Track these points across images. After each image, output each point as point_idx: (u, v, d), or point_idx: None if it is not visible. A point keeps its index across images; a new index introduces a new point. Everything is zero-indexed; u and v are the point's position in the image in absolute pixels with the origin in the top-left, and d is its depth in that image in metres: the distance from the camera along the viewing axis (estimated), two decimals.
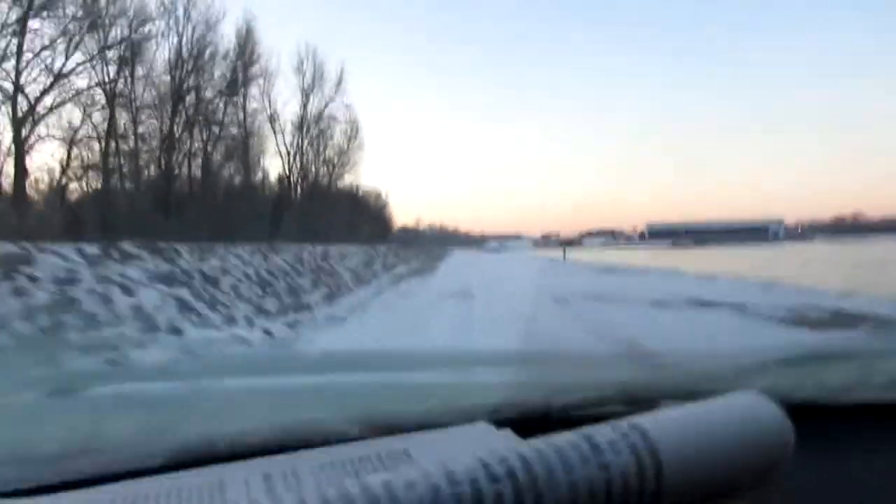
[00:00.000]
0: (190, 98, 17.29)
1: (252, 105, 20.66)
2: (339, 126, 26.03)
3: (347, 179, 28.86)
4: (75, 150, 14.59)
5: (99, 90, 14.73)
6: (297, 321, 9.45)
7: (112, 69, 15.01)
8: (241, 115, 19.91)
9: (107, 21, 14.61)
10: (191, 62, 17.21)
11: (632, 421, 0.39)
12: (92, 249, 7.97)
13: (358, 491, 0.32)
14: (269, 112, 21.96)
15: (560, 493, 0.34)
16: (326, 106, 24.66)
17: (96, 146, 14.95)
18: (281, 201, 21.83)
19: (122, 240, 8.76)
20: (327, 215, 22.58)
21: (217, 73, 18.50)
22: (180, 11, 16.88)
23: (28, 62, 12.75)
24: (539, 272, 22.19)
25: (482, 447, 0.37)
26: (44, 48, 12.98)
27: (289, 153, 23.40)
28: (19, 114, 12.58)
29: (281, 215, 20.19)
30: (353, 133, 27.22)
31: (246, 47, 19.74)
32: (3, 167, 12.43)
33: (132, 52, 15.46)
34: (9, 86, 12.43)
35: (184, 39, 16.97)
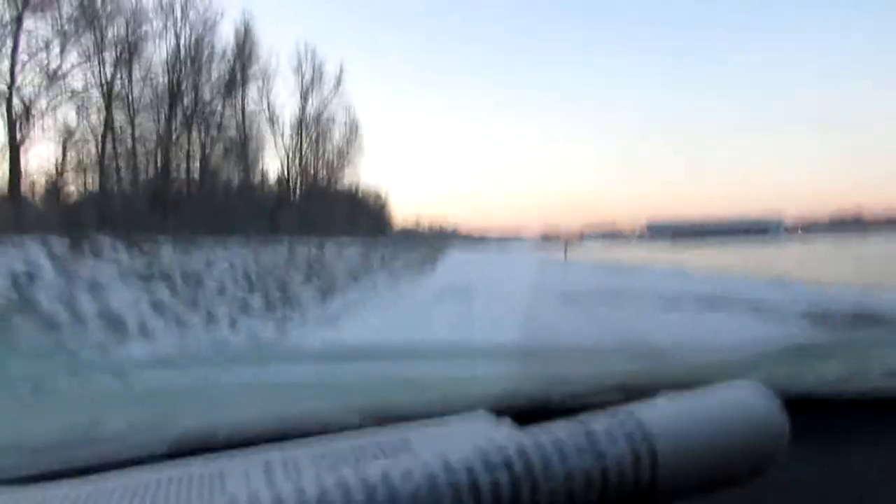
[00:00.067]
0: (188, 98, 17.26)
1: (250, 105, 20.63)
2: (338, 126, 26.04)
3: (347, 179, 28.85)
4: (72, 151, 14.60)
5: (95, 90, 14.74)
6: (287, 319, 9.42)
7: (109, 69, 15.00)
8: (239, 116, 19.88)
9: (103, 21, 14.60)
10: (188, 62, 17.19)
11: (628, 410, 0.39)
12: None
13: (355, 480, 0.32)
14: (267, 112, 21.89)
15: (556, 481, 0.34)
16: (326, 106, 24.64)
17: (93, 147, 14.95)
18: (280, 202, 21.82)
19: (120, 240, 8.72)
20: (326, 215, 22.56)
21: (215, 74, 18.46)
22: (178, 11, 16.87)
23: (24, 63, 12.75)
24: (539, 272, 22.17)
25: (481, 437, 0.37)
26: (39, 49, 12.98)
27: (287, 154, 23.38)
28: (14, 115, 12.55)
29: (280, 216, 20.18)
30: (352, 133, 27.22)
31: (244, 47, 19.69)
32: None
33: (129, 53, 15.44)
34: (3, 87, 12.42)
35: (181, 39, 16.96)
